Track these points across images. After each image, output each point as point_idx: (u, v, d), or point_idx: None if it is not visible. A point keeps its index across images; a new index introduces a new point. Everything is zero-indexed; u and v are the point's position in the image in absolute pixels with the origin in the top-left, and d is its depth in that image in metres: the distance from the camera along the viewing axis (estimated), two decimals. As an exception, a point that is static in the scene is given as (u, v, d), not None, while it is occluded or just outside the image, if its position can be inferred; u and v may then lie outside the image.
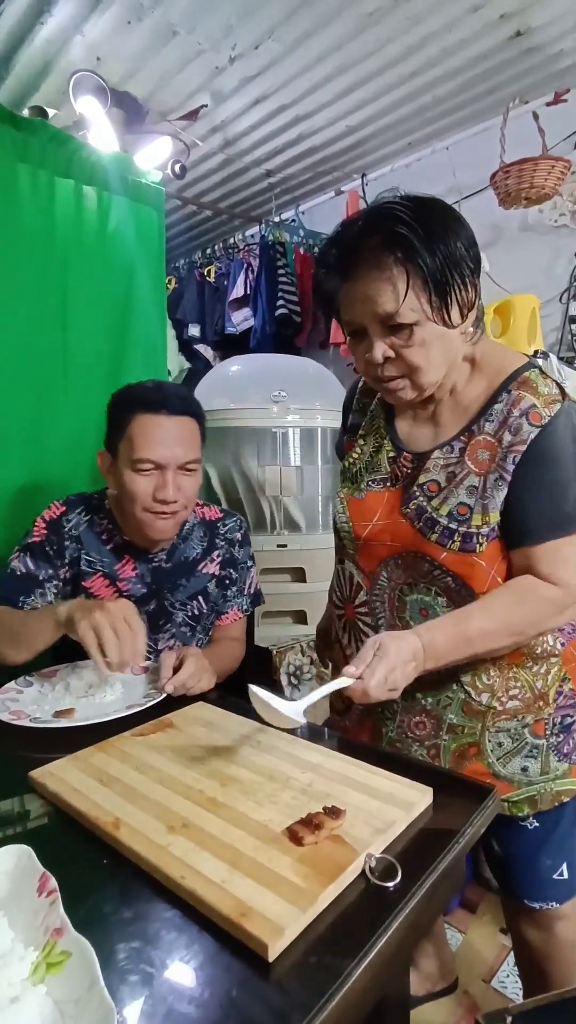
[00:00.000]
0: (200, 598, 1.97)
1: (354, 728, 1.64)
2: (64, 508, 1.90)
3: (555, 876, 1.53)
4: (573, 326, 3.51)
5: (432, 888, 0.88)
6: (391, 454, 1.54)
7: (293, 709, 1.22)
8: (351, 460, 1.63)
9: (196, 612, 1.97)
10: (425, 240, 1.23)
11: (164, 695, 1.50)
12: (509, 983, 2.16)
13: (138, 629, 1.50)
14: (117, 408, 1.80)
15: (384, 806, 1.01)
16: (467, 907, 2.49)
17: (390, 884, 0.85)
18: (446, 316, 1.29)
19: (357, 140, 4.19)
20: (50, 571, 1.84)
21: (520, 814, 1.49)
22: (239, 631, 2.08)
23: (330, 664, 1.99)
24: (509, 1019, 1.13)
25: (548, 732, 1.48)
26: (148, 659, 1.76)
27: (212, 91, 3.62)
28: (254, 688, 1.23)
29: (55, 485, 2.32)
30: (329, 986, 0.70)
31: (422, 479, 1.44)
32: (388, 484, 1.52)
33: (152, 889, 0.86)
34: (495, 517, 1.35)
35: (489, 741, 1.46)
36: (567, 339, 3.57)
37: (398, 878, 0.86)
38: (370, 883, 0.86)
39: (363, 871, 0.88)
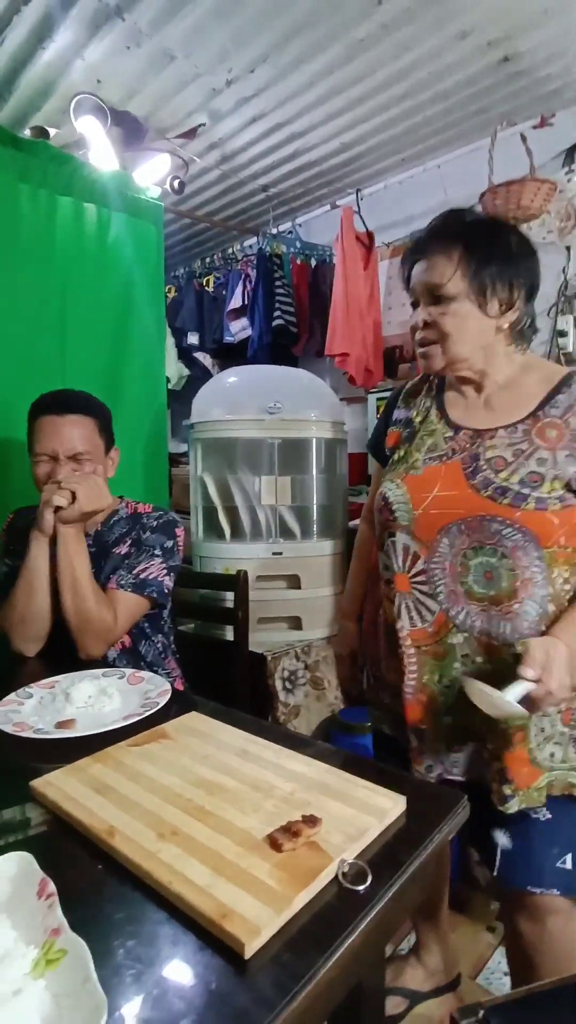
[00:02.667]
0: (111, 577, 2.09)
1: (410, 705, 1.70)
2: (12, 516, 2.30)
3: (559, 864, 1.60)
4: (560, 340, 3.59)
5: (400, 891, 0.94)
6: (447, 434, 1.69)
7: (509, 700, 1.35)
8: (404, 448, 1.77)
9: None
10: (482, 242, 1.54)
11: (160, 705, 1.54)
12: (494, 979, 2.23)
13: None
14: (29, 416, 2.11)
15: (359, 814, 1.08)
16: (455, 907, 2.54)
17: (360, 887, 0.92)
18: (482, 302, 1.55)
19: (351, 156, 4.29)
20: (13, 560, 2.13)
21: (542, 801, 1.57)
22: (120, 605, 2.04)
23: (370, 677, 1.98)
24: (481, 1013, 1.19)
25: (573, 722, 1.59)
26: (136, 668, 1.84)
27: (209, 111, 3.72)
28: (474, 681, 1.43)
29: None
30: (299, 979, 0.77)
31: (489, 454, 1.59)
32: (446, 458, 1.65)
33: (143, 892, 0.93)
34: (561, 486, 1.52)
35: (535, 725, 1.56)
36: (555, 352, 3.65)
37: (368, 882, 0.92)
38: (342, 887, 0.93)
39: (336, 876, 0.94)
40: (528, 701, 1.38)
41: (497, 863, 1.65)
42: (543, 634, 1.52)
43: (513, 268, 1.55)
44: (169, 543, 2.17)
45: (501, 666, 1.54)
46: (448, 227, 1.59)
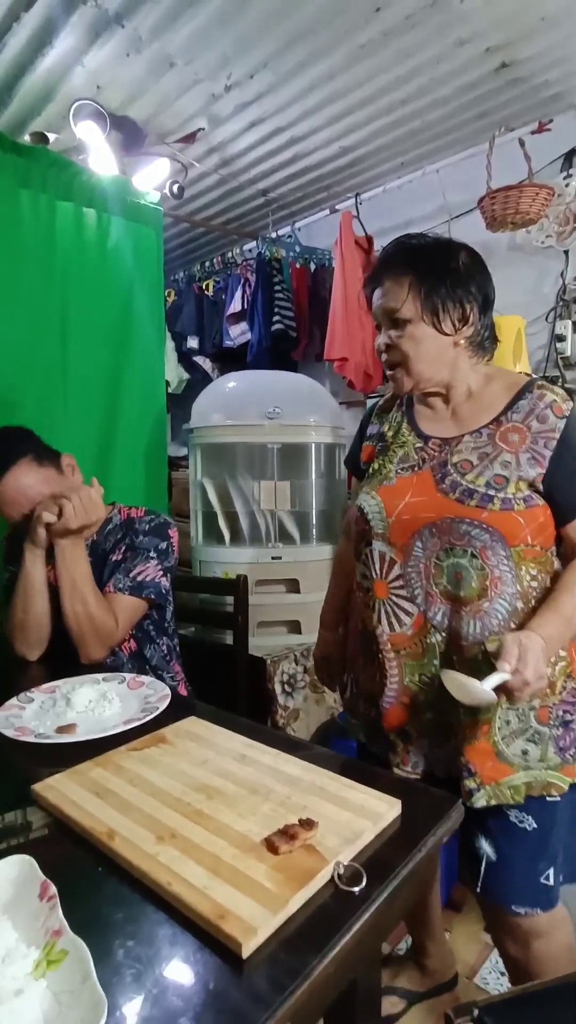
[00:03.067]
0: (110, 581, 2.12)
1: (388, 711, 1.72)
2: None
3: (541, 880, 1.61)
4: (559, 345, 3.60)
5: (394, 892, 0.96)
6: (417, 444, 1.74)
7: (483, 688, 1.36)
8: (379, 461, 1.82)
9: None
10: (430, 266, 1.61)
11: (160, 710, 1.56)
12: (491, 979, 2.24)
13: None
14: None
15: (355, 817, 1.10)
16: (452, 906, 2.56)
17: (355, 889, 0.94)
18: (436, 322, 1.60)
19: (351, 161, 4.29)
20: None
21: (516, 800, 1.57)
22: (119, 609, 2.08)
23: (338, 688, 2.13)
24: (476, 1012, 1.20)
25: (551, 722, 1.60)
26: (137, 674, 1.85)
27: (209, 115, 3.72)
28: (450, 672, 1.46)
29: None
30: (294, 978, 0.79)
31: (455, 459, 1.65)
32: (416, 468, 1.70)
33: (142, 894, 0.95)
34: (526, 487, 1.57)
35: (499, 718, 1.58)
36: (553, 357, 3.67)
37: (363, 883, 0.94)
38: (338, 888, 0.95)
39: (332, 877, 0.96)
40: (507, 693, 1.41)
41: (481, 875, 1.66)
42: (514, 631, 1.54)
43: (463, 286, 1.60)
44: (163, 544, 2.19)
45: (473, 663, 1.57)
46: (398, 254, 1.66)
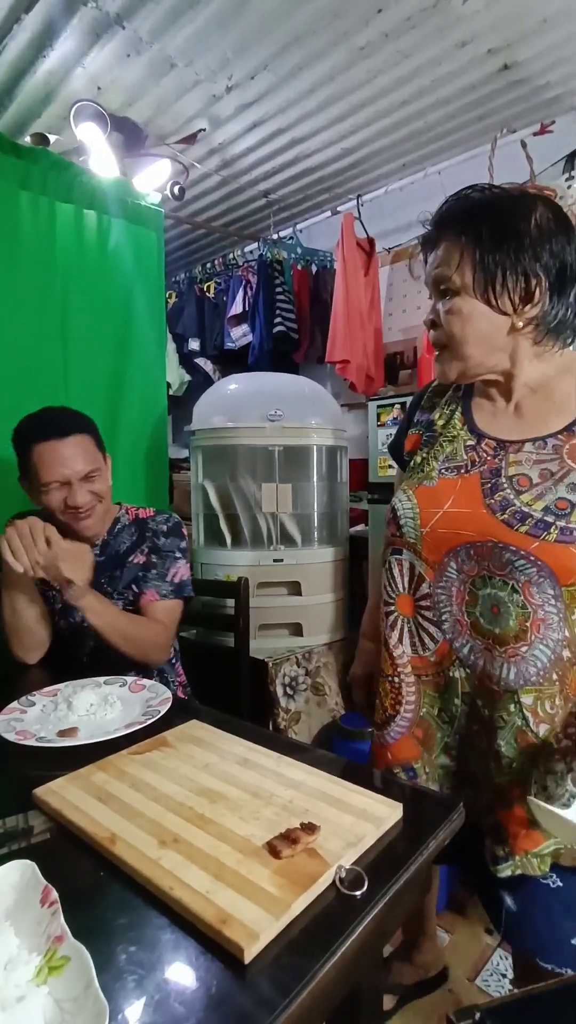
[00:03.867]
0: (133, 586, 2.16)
1: (398, 742, 1.57)
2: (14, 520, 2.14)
3: (572, 941, 1.43)
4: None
5: (396, 896, 0.96)
6: (469, 442, 1.51)
7: None
8: (422, 454, 1.60)
9: (131, 598, 2.15)
10: (491, 226, 1.33)
11: (161, 714, 1.55)
12: (492, 981, 2.23)
13: (49, 534, 1.86)
14: (18, 444, 2.03)
15: (357, 821, 1.09)
16: (454, 908, 2.56)
17: (357, 893, 0.93)
18: (491, 297, 1.35)
19: (352, 162, 4.31)
20: None
21: (543, 870, 1.40)
22: (162, 615, 2.13)
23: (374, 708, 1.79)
24: (478, 1015, 1.19)
25: None
26: (139, 675, 1.85)
27: (210, 116, 3.74)
28: (537, 802, 1.22)
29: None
30: (298, 983, 0.79)
31: (512, 471, 1.41)
32: (463, 471, 1.48)
33: (144, 899, 0.94)
34: None
35: (535, 784, 1.38)
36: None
37: (365, 887, 0.94)
38: (340, 892, 0.94)
39: (334, 881, 0.96)
40: None
41: (503, 922, 1.50)
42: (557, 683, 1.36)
43: (532, 254, 1.33)
44: (183, 543, 2.24)
45: (501, 715, 1.40)
46: (456, 209, 1.39)
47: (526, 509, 1.35)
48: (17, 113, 3.65)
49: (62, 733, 1.49)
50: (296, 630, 3.10)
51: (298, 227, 5.20)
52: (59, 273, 2.86)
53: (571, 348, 1.46)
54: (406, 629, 1.57)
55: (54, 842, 1.11)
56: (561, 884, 1.42)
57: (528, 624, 1.36)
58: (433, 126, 3.84)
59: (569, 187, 3.50)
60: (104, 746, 1.40)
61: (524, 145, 3.46)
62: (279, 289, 4.89)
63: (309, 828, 1.04)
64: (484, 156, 3.55)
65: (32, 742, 1.44)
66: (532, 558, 1.33)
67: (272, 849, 1.01)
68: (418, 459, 1.60)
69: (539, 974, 1.45)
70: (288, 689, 2.92)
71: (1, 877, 0.94)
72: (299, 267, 5.07)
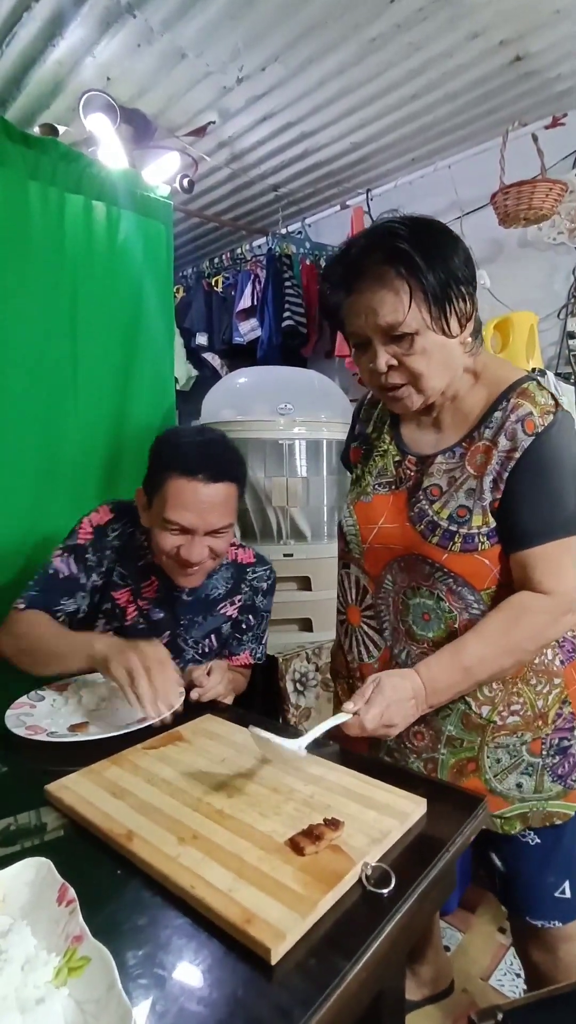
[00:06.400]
0: (212, 636, 1.97)
1: (355, 741, 1.61)
2: (112, 515, 1.94)
3: (557, 894, 1.53)
4: (571, 342, 3.57)
5: (423, 894, 0.93)
6: (396, 458, 1.56)
7: (296, 745, 1.22)
8: (360, 469, 1.65)
9: (207, 650, 1.97)
10: (424, 255, 1.29)
11: (175, 707, 1.51)
12: (506, 981, 2.21)
13: (171, 672, 1.56)
14: (157, 459, 1.80)
15: (381, 816, 1.07)
16: (467, 907, 2.53)
17: (384, 891, 0.91)
18: (445, 326, 1.34)
19: (361, 156, 4.26)
20: (89, 576, 1.87)
21: (512, 831, 1.50)
22: (248, 669, 2.04)
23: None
24: (500, 1016, 1.18)
25: (544, 752, 1.48)
26: None
27: (220, 109, 3.70)
28: (255, 729, 1.24)
29: (67, 490, 2.37)
30: (327, 985, 0.76)
31: (426, 483, 1.47)
32: (393, 487, 1.54)
33: (164, 897, 0.91)
34: (492, 518, 1.39)
35: (488, 757, 1.47)
36: (565, 354, 3.63)
37: (392, 885, 0.91)
38: (366, 890, 0.92)
39: (360, 879, 0.93)
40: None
41: (497, 885, 1.62)
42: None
43: (456, 268, 1.33)
44: (273, 604, 2.10)
45: (446, 706, 1.45)
46: (386, 250, 1.32)
47: (436, 519, 1.43)
48: (26, 103, 3.61)
49: (73, 728, 1.47)
50: (306, 625, 3.07)
51: (307, 221, 5.17)
52: (68, 263, 2.82)
53: (480, 349, 1.49)
54: (354, 637, 1.65)
55: (68, 839, 1.09)
56: (539, 840, 1.52)
57: (456, 627, 1.44)
58: (443, 120, 3.80)
59: (581, 181, 3.48)
60: (116, 741, 1.37)
61: (535, 139, 3.42)
62: (288, 283, 4.86)
63: (333, 824, 1.01)
64: (494, 150, 3.51)
65: (43, 737, 1.41)
66: (445, 569, 1.42)
67: (295, 846, 0.99)
68: (358, 472, 1.66)
69: (532, 930, 1.58)
70: (298, 685, 2.89)
71: (16, 875, 0.91)
72: (308, 261, 5.03)
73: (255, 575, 2.02)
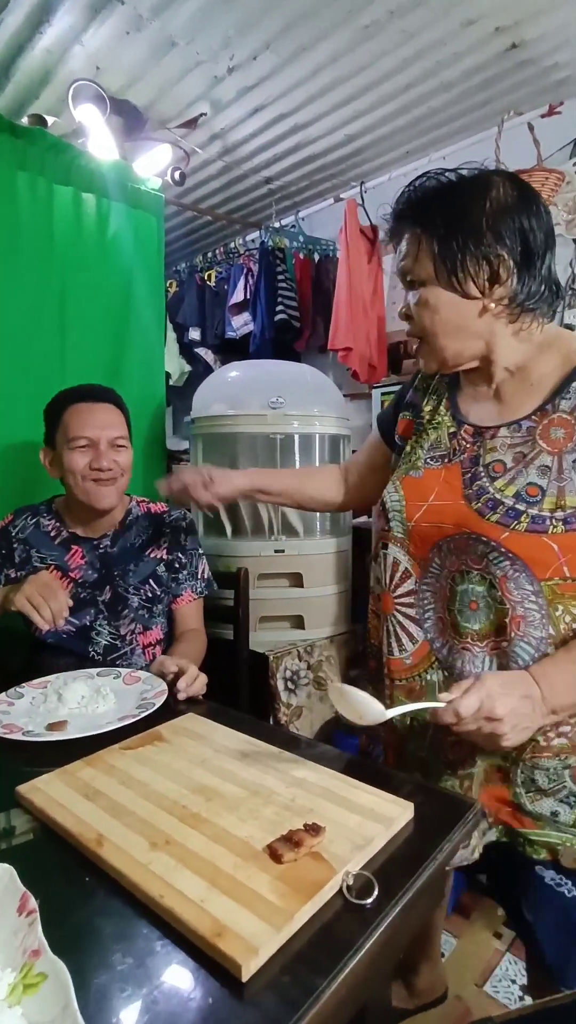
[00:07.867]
0: (152, 581, 2.14)
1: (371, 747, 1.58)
2: (11, 517, 2.18)
3: None
4: (569, 334, 3.52)
5: (409, 904, 0.88)
6: (451, 429, 1.46)
7: (381, 706, 1.18)
8: (411, 442, 1.55)
9: (150, 595, 2.13)
10: (441, 209, 1.29)
11: (156, 706, 1.49)
12: (501, 987, 2.16)
13: (56, 588, 1.79)
14: (52, 407, 2.10)
15: (365, 821, 1.02)
16: (461, 912, 2.49)
17: (367, 901, 0.86)
18: (456, 284, 1.30)
19: (355, 149, 4.23)
20: (2, 571, 2.10)
21: (535, 856, 1.37)
22: (197, 620, 2.22)
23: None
24: (493, 1027, 1.14)
25: None
26: (137, 668, 1.78)
27: (211, 100, 3.66)
28: (343, 685, 1.22)
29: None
30: (302, 1003, 0.71)
31: (488, 459, 1.37)
32: (446, 460, 1.44)
33: (133, 907, 0.87)
34: (569, 502, 1.25)
35: (521, 774, 1.36)
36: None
37: (375, 895, 0.87)
38: (347, 901, 0.87)
39: (341, 888, 0.88)
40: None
41: (522, 934, 1.52)
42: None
43: (492, 234, 1.26)
44: (199, 538, 2.29)
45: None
46: (411, 198, 1.35)
47: (498, 496, 1.32)
48: (15, 93, 3.57)
49: (51, 727, 1.43)
50: (297, 623, 3.03)
51: (300, 215, 5.15)
52: (57, 255, 2.79)
53: (551, 324, 1.40)
54: (385, 628, 1.53)
55: (37, 844, 1.04)
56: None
57: (507, 621, 1.31)
58: (438, 110, 3.75)
59: (578, 171, 3.43)
60: (95, 740, 1.33)
61: (531, 128, 3.37)
62: (281, 277, 4.81)
63: (313, 829, 0.97)
64: (489, 140, 3.45)
65: (18, 736, 1.37)
66: (503, 550, 1.29)
67: (273, 853, 0.94)
68: (408, 447, 1.56)
69: (554, 983, 1.41)
70: (289, 683, 2.85)
71: (-25, 882, 0.86)
72: (301, 255, 4.99)
73: (172, 518, 2.23)
